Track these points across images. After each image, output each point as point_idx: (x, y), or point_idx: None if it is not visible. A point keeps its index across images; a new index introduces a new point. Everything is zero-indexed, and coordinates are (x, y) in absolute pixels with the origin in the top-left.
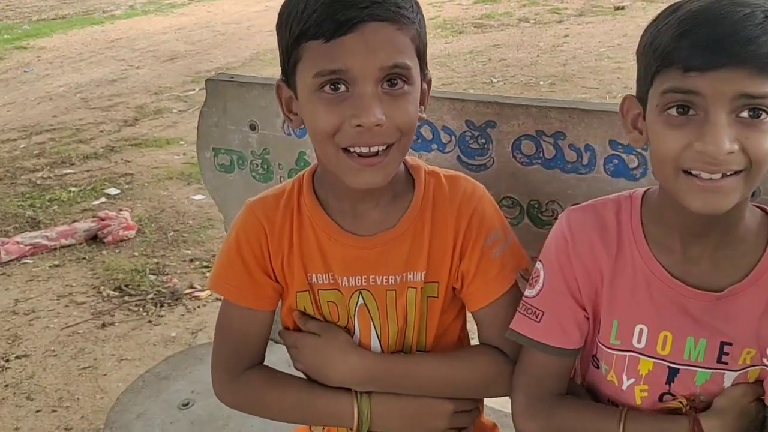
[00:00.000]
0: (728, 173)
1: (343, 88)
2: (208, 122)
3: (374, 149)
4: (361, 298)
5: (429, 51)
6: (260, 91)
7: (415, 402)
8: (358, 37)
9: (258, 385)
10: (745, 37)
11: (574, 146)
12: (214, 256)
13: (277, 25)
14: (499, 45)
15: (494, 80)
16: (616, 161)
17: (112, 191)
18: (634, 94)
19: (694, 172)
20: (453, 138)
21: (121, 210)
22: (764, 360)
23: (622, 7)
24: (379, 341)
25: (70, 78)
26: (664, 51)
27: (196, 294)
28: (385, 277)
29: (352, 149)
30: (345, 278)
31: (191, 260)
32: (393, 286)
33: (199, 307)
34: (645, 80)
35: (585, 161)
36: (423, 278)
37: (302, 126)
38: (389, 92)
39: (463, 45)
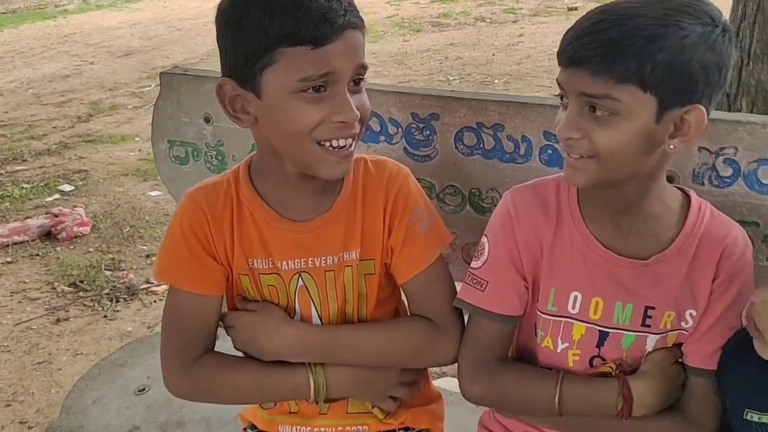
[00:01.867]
0: (576, 156)
1: (322, 89)
2: (162, 115)
3: (348, 141)
4: (300, 280)
5: (387, 49)
6: (214, 85)
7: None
8: (342, 43)
9: (213, 371)
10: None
11: (512, 137)
12: None
13: (225, 30)
14: (456, 44)
15: (450, 78)
16: (550, 151)
17: (66, 188)
18: None
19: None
20: (400, 130)
21: (75, 206)
22: (682, 323)
23: (575, 8)
24: (320, 320)
25: (21, 73)
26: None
27: (153, 289)
28: (323, 258)
29: (327, 143)
30: (284, 262)
31: (147, 256)
32: (331, 266)
33: (155, 301)
34: None
35: (522, 151)
36: (358, 256)
37: (255, 124)
38: (354, 89)
39: (421, 43)
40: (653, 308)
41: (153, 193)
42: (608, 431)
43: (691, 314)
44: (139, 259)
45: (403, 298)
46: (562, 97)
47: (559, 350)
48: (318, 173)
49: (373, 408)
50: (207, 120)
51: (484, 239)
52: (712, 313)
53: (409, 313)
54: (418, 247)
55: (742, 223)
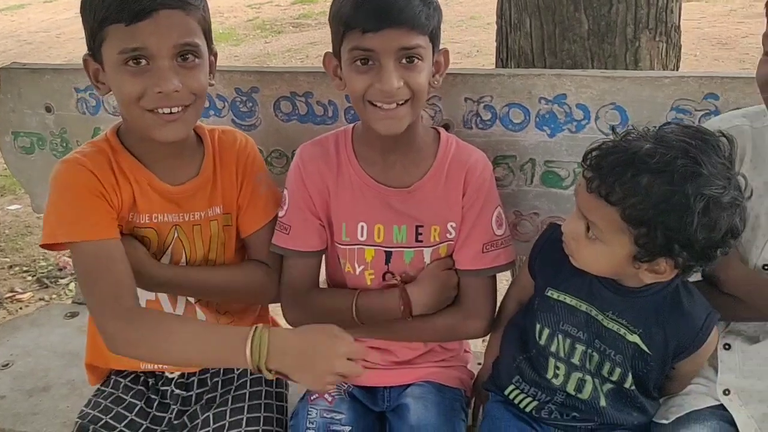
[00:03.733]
0: (400, 102)
1: (144, 62)
2: (5, 108)
3: (175, 110)
4: (175, 233)
5: (249, 51)
6: (52, 76)
7: (310, 338)
8: (152, 22)
9: (152, 324)
10: (399, 5)
11: (321, 102)
12: (34, 260)
13: (81, 9)
14: (317, 42)
15: None
16: (353, 111)
17: None
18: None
19: (377, 104)
20: (226, 104)
21: None
22: (447, 235)
23: None
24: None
25: None
26: (347, 19)
27: (18, 297)
28: (192, 214)
29: (154, 111)
30: (160, 216)
31: (10, 267)
32: (199, 221)
33: (21, 308)
34: (336, 41)
35: (330, 114)
36: (221, 211)
37: (110, 93)
38: (183, 65)
39: (282, 44)
40: (422, 226)
41: (12, 207)
42: (403, 330)
43: (452, 226)
44: (2, 271)
45: None
46: (368, 61)
47: (357, 273)
48: (152, 136)
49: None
50: (48, 110)
51: (285, 191)
52: (467, 223)
53: (248, 257)
54: (261, 205)
55: (504, 156)
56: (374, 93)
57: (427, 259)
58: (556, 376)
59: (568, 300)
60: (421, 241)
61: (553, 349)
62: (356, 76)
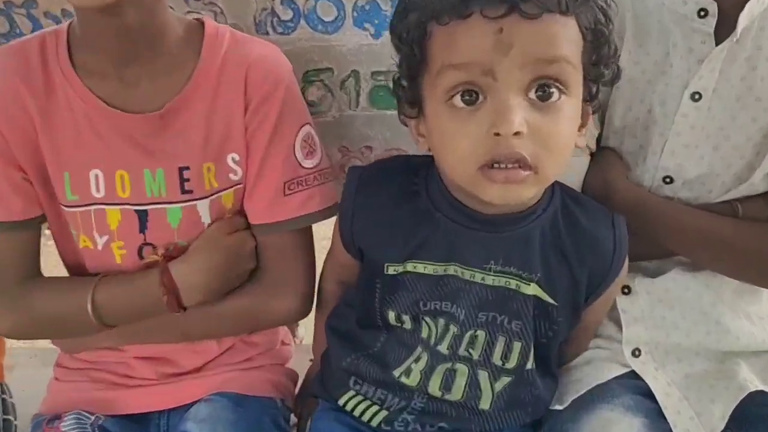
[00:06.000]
0: None
1: None
2: None
3: None
4: None
5: None
6: None
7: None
8: None
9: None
10: None
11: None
12: None
13: None
14: None
15: None
16: None
17: None
18: None
19: None
20: None
21: None
22: (230, 176)
23: None
24: None
25: None
26: None
27: None
28: None
29: None
30: None
31: None
32: None
33: None
34: None
35: None
36: None
37: None
38: None
39: None
40: (187, 168)
41: None
42: (179, 327)
43: (234, 159)
44: None
45: None
46: None
47: (100, 247)
48: None
49: None
50: None
51: None
52: (256, 152)
53: None
54: None
55: (316, 71)
56: None
57: (206, 218)
58: (407, 372)
59: (425, 269)
60: (191, 191)
61: (424, 335)
62: None
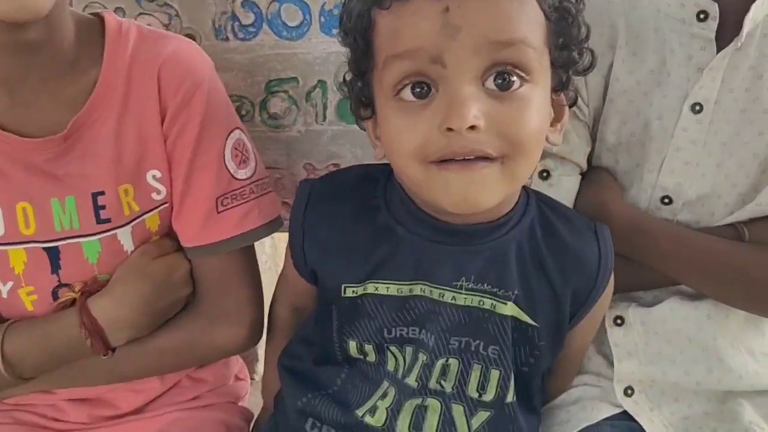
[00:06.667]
0: None
1: None
2: None
3: None
4: None
5: None
6: None
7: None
8: None
9: None
10: None
11: None
12: None
13: None
14: None
15: None
16: None
17: None
18: None
19: None
20: None
21: None
22: (153, 195)
23: None
24: None
25: None
26: None
27: None
28: None
29: None
30: None
31: None
32: None
33: None
34: None
35: None
36: None
37: None
38: None
39: None
40: (101, 192)
41: None
42: (113, 368)
43: (155, 176)
44: None
45: None
46: None
47: (5, 295)
48: None
49: None
50: None
51: None
52: (180, 166)
53: None
54: None
55: (279, 81)
56: None
57: (129, 246)
58: (372, 411)
59: (388, 290)
60: (108, 219)
61: (390, 367)
62: None
